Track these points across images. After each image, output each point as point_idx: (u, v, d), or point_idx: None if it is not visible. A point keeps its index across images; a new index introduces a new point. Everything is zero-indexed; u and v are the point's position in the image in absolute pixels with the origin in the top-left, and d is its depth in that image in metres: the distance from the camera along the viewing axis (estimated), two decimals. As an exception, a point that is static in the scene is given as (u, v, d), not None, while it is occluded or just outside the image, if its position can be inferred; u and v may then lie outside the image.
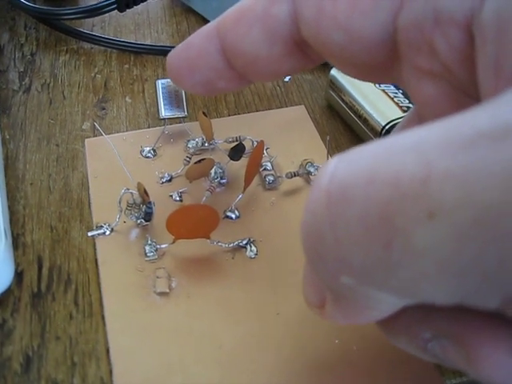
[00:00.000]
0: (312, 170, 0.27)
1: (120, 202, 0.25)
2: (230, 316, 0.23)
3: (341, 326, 0.23)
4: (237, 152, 0.27)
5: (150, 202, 0.24)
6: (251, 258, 0.25)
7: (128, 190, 0.25)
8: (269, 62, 0.19)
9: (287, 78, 0.34)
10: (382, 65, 0.17)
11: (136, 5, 0.36)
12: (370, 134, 0.29)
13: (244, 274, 0.24)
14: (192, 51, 0.20)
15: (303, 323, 0.23)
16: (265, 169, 0.28)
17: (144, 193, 0.24)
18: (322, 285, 0.16)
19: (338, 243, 0.12)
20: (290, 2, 0.17)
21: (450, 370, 0.22)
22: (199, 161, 0.26)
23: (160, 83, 0.30)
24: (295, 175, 0.27)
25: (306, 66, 0.19)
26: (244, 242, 0.25)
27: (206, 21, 0.38)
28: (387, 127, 0.28)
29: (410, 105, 0.29)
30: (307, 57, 0.19)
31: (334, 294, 0.15)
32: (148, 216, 0.25)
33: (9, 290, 0.24)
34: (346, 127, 0.31)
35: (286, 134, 0.30)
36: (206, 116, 0.28)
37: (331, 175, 0.13)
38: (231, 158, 0.27)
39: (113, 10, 0.35)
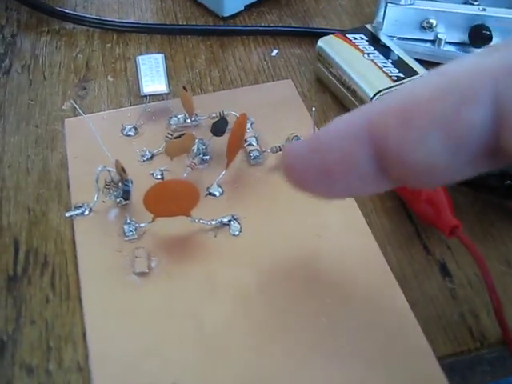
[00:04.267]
0: (298, 144, 0.26)
1: (97, 181, 0.24)
2: (212, 296, 0.22)
3: (328, 304, 0.22)
4: (219, 127, 0.26)
5: (127, 180, 0.23)
6: (235, 235, 0.24)
7: (105, 167, 0.24)
8: (444, 172, 0.14)
9: (274, 53, 0.33)
10: None
11: (118, -18, 0.35)
12: (358, 105, 0.28)
13: (227, 252, 0.23)
14: (331, 155, 0.15)
15: (288, 302, 0.22)
16: (249, 144, 0.27)
17: (122, 170, 0.23)
18: None
19: None
20: (490, 102, 0.13)
21: (443, 348, 0.21)
22: (178, 136, 0.25)
23: (140, 59, 0.28)
24: (280, 149, 0.26)
25: (487, 169, 0.15)
26: (227, 220, 0.24)
27: (191, -3, 0.37)
28: (376, 97, 0.27)
29: (401, 74, 0.28)
30: (493, 161, 0.14)
31: None
32: (126, 194, 0.24)
33: (-17, 274, 0.23)
34: (335, 100, 0.30)
35: (273, 108, 0.29)
36: (186, 90, 0.26)
37: None
38: (214, 134, 0.26)
39: (94, -13, 0.34)
